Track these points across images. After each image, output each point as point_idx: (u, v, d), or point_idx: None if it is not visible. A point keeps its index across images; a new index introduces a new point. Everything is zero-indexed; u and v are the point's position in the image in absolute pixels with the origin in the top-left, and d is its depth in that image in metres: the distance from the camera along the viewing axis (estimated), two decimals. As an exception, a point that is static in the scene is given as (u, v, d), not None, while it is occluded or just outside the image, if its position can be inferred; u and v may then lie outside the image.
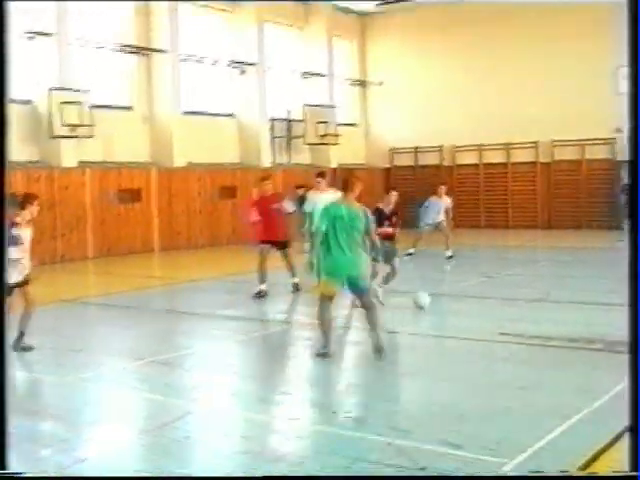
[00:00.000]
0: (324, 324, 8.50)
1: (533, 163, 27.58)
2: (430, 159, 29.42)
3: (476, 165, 28.67)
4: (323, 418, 6.67)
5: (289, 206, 13.48)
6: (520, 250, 21.75)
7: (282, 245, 13.12)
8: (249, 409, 6.95)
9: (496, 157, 28.28)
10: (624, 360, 7.96)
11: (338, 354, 8.80)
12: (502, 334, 9.63)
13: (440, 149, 29.18)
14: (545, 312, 11.31)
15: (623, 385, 7.12)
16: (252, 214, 13.28)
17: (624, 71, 23.51)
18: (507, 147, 27.90)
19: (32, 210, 9.00)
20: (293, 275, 13.14)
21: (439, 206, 18.50)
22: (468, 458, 5.40)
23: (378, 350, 8.29)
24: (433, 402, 6.97)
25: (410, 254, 18.01)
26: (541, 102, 26.42)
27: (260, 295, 12.74)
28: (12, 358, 8.13)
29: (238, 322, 11.21)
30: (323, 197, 11.66)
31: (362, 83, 30.89)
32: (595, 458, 5.30)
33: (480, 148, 28.42)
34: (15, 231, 8.54)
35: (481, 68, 27.82)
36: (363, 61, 31.07)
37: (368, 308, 8.52)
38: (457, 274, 16.50)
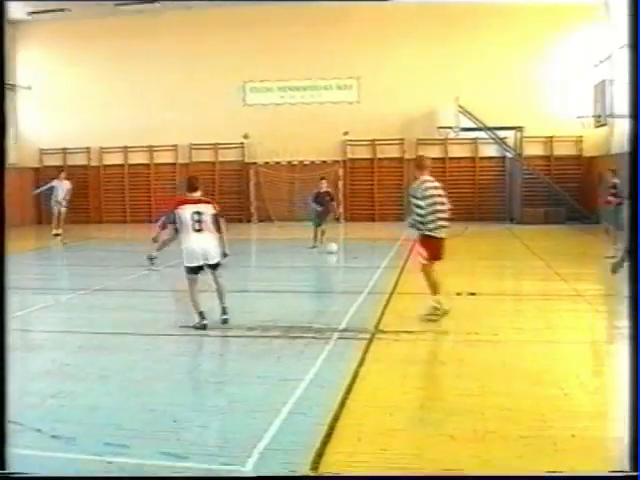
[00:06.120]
0: None
1: (173, 164, 27.30)
2: (78, 159, 27.77)
3: (122, 165, 27.69)
4: (25, 441, 5.04)
5: None
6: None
7: None
8: None
9: (140, 158, 27.53)
10: (303, 345, 7.85)
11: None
12: (182, 327, 8.95)
13: (88, 150, 27.75)
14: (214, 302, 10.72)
15: (314, 371, 6.89)
16: None
17: (250, 85, 23.79)
18: (150, 149, 27.39)
19: None
20: None
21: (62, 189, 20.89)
22: (199, 469, 4.70)
23: None
24: (144, 409, 5.92)
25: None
26: (180, 110, 26.30)
27: None
28: None
29: None
30: None
31: (12, 87, 27.76)
32: (320, 453, 4.90)
33: (125, 150, 27.49)
34: None
35: (126, 77, 27.01)
36: (13, 65, 27.80)
37: None
38: (118, 267, 15.28)
